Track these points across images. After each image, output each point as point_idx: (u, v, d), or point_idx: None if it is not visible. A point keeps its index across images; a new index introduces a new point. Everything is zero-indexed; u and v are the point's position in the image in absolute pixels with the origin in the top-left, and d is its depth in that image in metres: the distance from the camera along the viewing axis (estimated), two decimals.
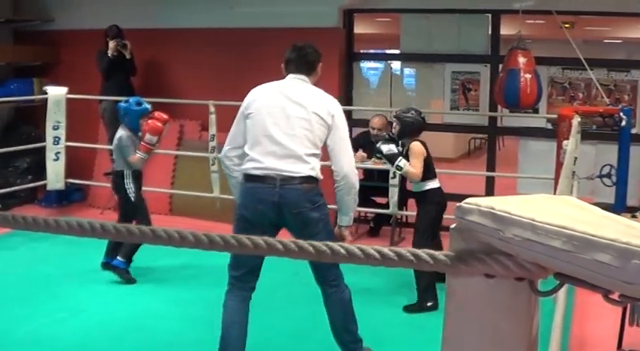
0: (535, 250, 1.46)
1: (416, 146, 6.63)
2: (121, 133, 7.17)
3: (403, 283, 6.94)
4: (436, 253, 1.60)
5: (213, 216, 9.14)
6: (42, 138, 9.78)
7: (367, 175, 9.19)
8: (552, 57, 9.15)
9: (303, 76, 5.08)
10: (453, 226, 1.62)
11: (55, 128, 9.40)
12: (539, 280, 1.60)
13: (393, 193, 8.46)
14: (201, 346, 5.64)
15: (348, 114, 9.72)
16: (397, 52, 10.39)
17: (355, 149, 8.77)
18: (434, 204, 6.77)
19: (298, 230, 4.84)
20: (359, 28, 10.10)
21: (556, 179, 6.53)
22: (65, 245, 7.92)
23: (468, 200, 1.60)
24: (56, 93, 9.49)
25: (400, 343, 5.94)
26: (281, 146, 4.80)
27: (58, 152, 9.47)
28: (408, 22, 9.75)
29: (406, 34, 9.79)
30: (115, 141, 7.22)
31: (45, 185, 9.77)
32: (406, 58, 10.06)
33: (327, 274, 5.08)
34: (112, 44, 9.53)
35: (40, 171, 10.14)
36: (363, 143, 8.87)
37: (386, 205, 8.77)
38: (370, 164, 8.72)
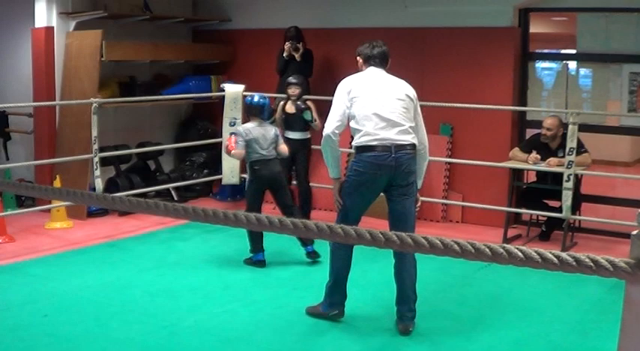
0: None
1: None
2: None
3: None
4: (616, 260, 1.57)
5: None
6: (218, 134, 10.08)
7: (540, 177, 9.00)
8: None
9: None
10: (634, 232, 1.58)
11: (232, 124, 9.65)
12: None
13: (567, 197, 8.21)
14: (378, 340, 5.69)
15: (522, 114, 9.57)
16: (573, 52, 10.14)
17: (529, 150, 8.65)
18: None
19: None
20: (534, 28, 9.91)
21: None
22: (237, 237, 8.12)
23: None
24: (233, 90, 9.76)
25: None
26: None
27: None
28: (584, 22, 9.49)
29: (583, 33, 9.53)
30: (273, 135, 7.59)
31: (220, 180, 10.05)
32: (582, 58, 9.77)
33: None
34: (286, 46, 9.87)
35: (215, 166, 10.47)
36: (536, 144, 8.70)
37: (559, 209, 8.51)
38: (544, 166, 8.53)
